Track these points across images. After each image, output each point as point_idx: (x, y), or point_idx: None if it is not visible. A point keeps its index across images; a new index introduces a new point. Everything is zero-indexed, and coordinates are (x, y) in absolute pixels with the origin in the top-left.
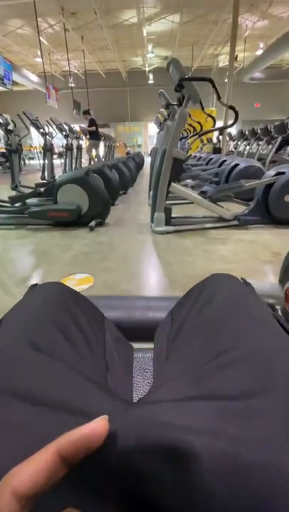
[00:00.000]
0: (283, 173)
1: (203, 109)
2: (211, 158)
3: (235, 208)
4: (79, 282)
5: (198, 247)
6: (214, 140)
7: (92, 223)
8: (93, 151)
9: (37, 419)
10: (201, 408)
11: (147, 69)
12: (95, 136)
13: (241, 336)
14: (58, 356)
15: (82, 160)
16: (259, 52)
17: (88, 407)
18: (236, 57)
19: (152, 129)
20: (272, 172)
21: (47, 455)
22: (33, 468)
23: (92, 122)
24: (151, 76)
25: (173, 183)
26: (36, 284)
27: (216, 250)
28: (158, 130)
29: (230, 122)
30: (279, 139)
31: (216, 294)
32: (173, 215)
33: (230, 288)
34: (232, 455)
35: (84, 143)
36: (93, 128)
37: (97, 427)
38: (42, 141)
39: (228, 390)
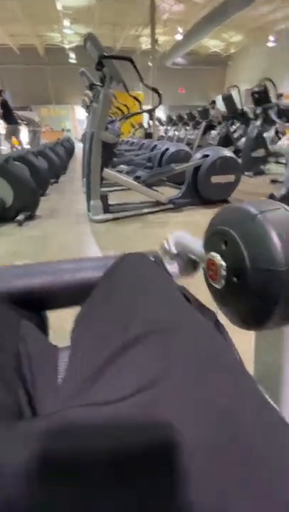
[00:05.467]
0: (208, 155)
1: (127, 90)
2: (143, 143)
3: (169, 192)
4: None
5: (138, 232)
6: (145, 125)
7: (20, 217)
8: (13, 137)
9: None
10: (102, 416)
11: (67, 46)
12: (11, 120)
13: (143, 316)
14: None
15: (2, 147)
16: (178, 37)
17: None
18: (157, 41)
19: (81, 112)
20: (198, 155)
21: None
22: None
23: (3, 104)
24: (72, 54)
25: (106, 169)
26: None
27: (155, 234)
28: (86, 113)
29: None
30: (203, 124)
31: (123, 276)
32: (110, 203)
33: (136, 270)
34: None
35: (2, 128)
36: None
37: None
38: None
39: (126, 385)
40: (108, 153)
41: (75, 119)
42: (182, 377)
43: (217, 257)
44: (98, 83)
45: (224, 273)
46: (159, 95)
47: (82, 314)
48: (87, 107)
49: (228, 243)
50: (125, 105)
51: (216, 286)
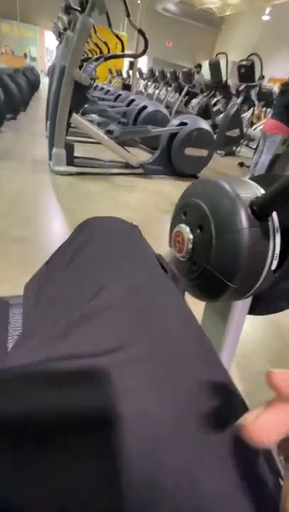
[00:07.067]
0: (186, 124)
1: (110, 25)
2: (119, 95)
3: (141, 155)
4: None
5: (104, 193)
6: (124, 75)
7: None
8: None
9: None
10: (60, 370)
11: None
12: None
13: (110, 281)
14: None
15: None
16: None
17: None
18: None
19: (51, 39)
20: (176, 121)
21: None
22: None
23: None
24: None
25: (74, 114)
26: None
27: (121, 198)
28: (57, 42)
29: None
30: (185, 88)
31: (93, 237)
32: (76, 155)
33: (108, 231)
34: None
35: None
36: None
37: None
38: None
39: (92, 345)
40: (79, 97)
41: (44, 47)
42: (149, 347)
43: (186, 230)
44: (77, 7)
45: (190, 247)
46: (146, 40)
47: (42, 273)
48: (60, 34)
49: (203, 224)
50: (105, 43)
51: (180, 258)
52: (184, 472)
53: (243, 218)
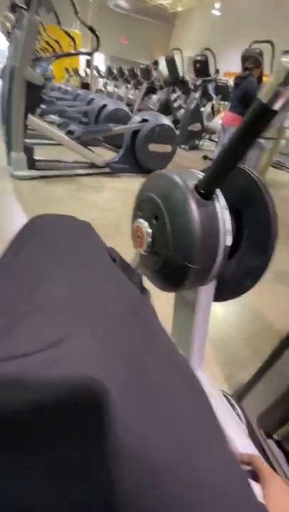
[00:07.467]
0: (147, 120)
1: (59, 22)
2: (78, 94)
3: (106, 154)
4: None
5: (70, 195)
6: (82, 73)
7: None
8: None
9: None
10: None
11: None
12: None
13: (50, 276)
14: None
15: None
16: None
17: None
18: None
19: (1, 40)
20: (138, 118)
21: None
22: None
23: None
24: None
25: (30, 116)
26: None
27: (89, 198)
28: (8, 42)
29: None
30: (144, 85)
31: (37, 233)
32: (37, 158)
33: (54, 227)
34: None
35: None
36: None
37: None
38: None
39: (32, 342)
40: (34, 97)
41: None
42: (90, 335)
43: (144, 225)
44: (23, 5)
45: (149, 240)
46: (97, 37)
47: None
48: (9, 34)
49: (158, 214)
50: (56, 41)
51: (141, 251)
52: (144, 442)
53: (191, 201)
